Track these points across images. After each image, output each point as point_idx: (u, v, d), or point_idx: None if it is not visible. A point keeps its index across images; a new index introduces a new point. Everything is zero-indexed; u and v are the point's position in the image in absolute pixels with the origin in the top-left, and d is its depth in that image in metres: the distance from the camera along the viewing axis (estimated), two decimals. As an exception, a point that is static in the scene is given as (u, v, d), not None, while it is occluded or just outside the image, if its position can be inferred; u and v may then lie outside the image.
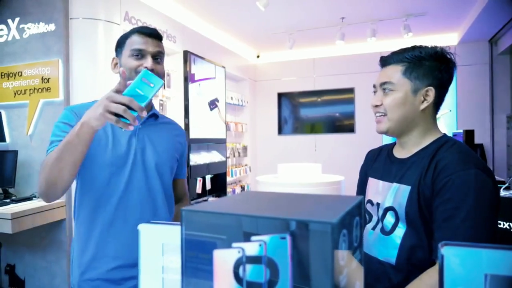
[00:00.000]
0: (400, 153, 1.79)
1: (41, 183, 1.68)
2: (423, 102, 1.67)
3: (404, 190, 1.63)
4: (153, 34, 1.97)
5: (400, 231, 1.62)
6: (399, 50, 1.73)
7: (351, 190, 6.68)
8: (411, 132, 1.73)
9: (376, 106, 1.74)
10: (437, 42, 7.62)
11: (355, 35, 7.70)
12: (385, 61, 1.77)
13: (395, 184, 1.69)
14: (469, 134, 5.97)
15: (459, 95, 7.97)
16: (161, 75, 1.93)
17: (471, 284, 0.74)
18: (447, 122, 8.02)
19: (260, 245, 0.63)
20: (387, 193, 1.72)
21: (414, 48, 1.70)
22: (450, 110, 8.01)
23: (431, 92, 1.66)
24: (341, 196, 0.81)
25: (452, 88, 7.77)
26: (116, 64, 1.97)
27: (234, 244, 0.66)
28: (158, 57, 1.96)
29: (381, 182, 1.79)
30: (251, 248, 0.64)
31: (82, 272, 1.88)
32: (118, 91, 1.46)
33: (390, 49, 6.11)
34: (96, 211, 1.87)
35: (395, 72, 1.69)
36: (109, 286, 1.87)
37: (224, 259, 0.67)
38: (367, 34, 7.11)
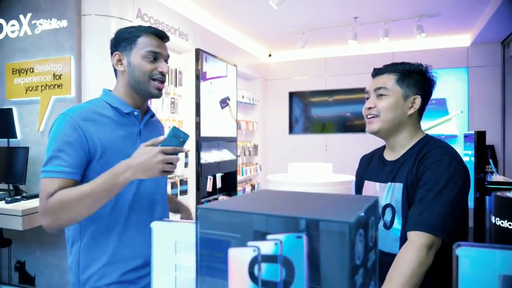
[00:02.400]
0: (390, 155, 2.04)
1: (59, 220, 1.69)
2: (410, 108, 1.94)
3: (398, 188, 1.87)
4: (166, 38, 2.01)
5: (397, 224, 1.84)
6: (390, 64, 2.00)
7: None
8: (399, 134, 1.98)
9: (369, 108, 1.98)
10: (450, 43, 7.64)
11: (367, 35, 7.67)
12: (378, 72, 2.03)
13: (389, 184, 1.92)
14: (481, 135, 5.94)
15: (471, 97, 7.94)
16: (166, 74, 1.99)
17: (485, 285, 0.74)
18: (459, 123, 7.98)
19: (275, 244, 0.63)
20: (383, 192, 1.93)
21: (404, 63, 1.97)
22: (462, 111, 7.98)
23: (418, 100, 1.94)
24: (357, 195, 0.81)
25: (464, 89, 7.80)
26: (120, 60, 1.94)
27: (250, 243, 0.65)
28: (167, 60, 1.99)
29: (377, 183, 2.01)
30: (267, 247, 0.64)
31: (97, 280, 1.83)
32: (153, 145, 1.67)
33: (402, 49, 6.15)
34: (111, 217, 1.84)
35: (389, 80, 1.95)
36: (126, 287, 1.87)
37: (239, 258, 0.66)
38: (379, 34, 7.08)
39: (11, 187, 4.37)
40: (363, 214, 0.65)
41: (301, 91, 9.28)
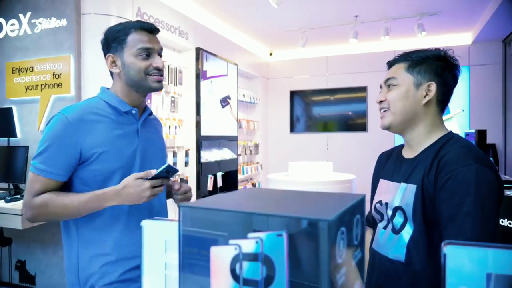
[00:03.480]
0: (408, 153, 1.83)
1: (39, 218, 1.80)
2: (425, 96, 1.71)
3: (411, 190, 1.65)
4: (156, 30, 1.97)
5: (408, 229, 1.65)
6: (404, 53, 1.81)
7: (362, 188, 6.64)
8: (415, 128, 1.76)
9: (381, 102, 1.80)
10: (451, 41, 7.64)
11: (368, 34, 7.67)
12: (391, 63, 1.86)
13: (402, 184, 1.72)
14: (482, 134, 5.95)
15: (472, 95, 7.93)
16: (163, 69, 1.96)
17: (473, 283, 0.74)
18: (460, 122, 7.97)
19: (256, 242, 0.63)
20: (395, 193, 1.74)
21: (419, 50, 1.77)
22: (463, 110, 7.96)
23: (433, 87, 1.70)
24: (343, 193, 0.80)
25: (465, 88, 7.77)
26: (114, 62, 1.92)
27: (231, 241, 0.65)
28: (160, 53, 1.96)
29: (391, 182, 1.81)
30: (248, 245, 0.64)
31: (98, 279, 1.82)
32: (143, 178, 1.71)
33: (403, 47, 6.13)
34: (111, 218, 1.84)
35: (399, 69, 1.77)
36: (126, 286, 1.85)
37: (221, 256, 0.66)
38: (380, 32, 7.07)
39: (11, 186, 4.38)
40: (345, 212, 0.65)
41: (302, 90, 9.28)
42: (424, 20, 6.82)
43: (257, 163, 8.83)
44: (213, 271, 0.67)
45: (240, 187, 7.77)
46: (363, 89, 8.66)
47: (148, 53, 1.89)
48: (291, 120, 9.36)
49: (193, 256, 0.69)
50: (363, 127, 8.66)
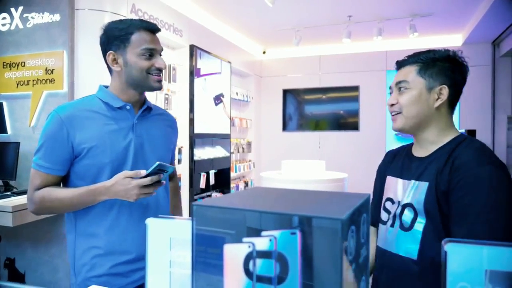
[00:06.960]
0: (418, 152, 1.82)
1: (42, 211, 1.93)
2: (437, 100, 1.72)
3: (422, 187, 1.66)
4: (157, 31, 2.01)
5: (419, 226, 1.65)
6: (414, 54, 1.79)
7: (354, 187, 6.62)
8: (427, 130, 1.76)
9: (392, 105, 1.79)
10: (442, 42, 7.69)
11: (361, 34, 7.69)
12: (400, 64, 1.83)
13: (413, 182, 1.72)
14: (471, 134, 5.98)
15: (462, 96, 7.94)
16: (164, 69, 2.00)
17: (472, 280, 0.76)
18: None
19: (270, 240, 0.64)
20: (406, 190, 1.75)
21: (428, 51, 1.76)
22: (453, 110, 8.02)
23: (445, 90, 1.72)
24: (349, 193, 0.82)
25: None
26: (115, 59, 1.92)
27: (245, 239, 0.66)
28: (161, 53, 1.99)
29: (400, 180, 1.82)
30: (261, 243, 0.65)
31: (88, 270, 1.88)
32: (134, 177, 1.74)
33: (395, 48, 6.17)
34: (102, 210, 1.88)
35: (410, 72, 1.75)
36: (116, 280, 1.89)
37: (234, 254, 0.67)
38: (373, 32, 7.10)
39: (1, 182, 4.32)
40: (355, 211, 0.66)
41: (295, 88, 9.29)
42: (416, 21, 6.86)
43: (250, 161, 8.83)
44: (227, 269, 0.68)
45: (232, 185, 7.78)
46: (356, 88, 8.68)
47: (151, 53, 1.91)
48: (283, 119, 9.37)
49: (206, 254, 0.70)
50: (355, 126, 8.68)
